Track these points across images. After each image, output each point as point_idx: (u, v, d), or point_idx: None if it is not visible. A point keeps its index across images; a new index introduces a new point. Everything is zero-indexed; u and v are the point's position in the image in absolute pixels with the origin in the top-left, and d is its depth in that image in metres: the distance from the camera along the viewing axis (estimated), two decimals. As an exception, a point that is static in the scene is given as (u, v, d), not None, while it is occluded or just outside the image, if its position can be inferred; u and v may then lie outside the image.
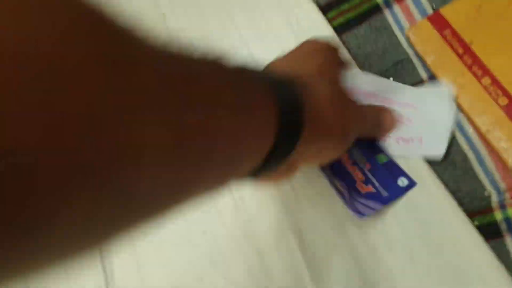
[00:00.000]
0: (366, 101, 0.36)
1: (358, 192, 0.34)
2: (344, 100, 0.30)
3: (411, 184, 0.33)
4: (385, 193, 0.33)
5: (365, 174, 0.34)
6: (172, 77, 0.15)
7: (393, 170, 0.34)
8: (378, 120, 0.34)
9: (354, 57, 0.40)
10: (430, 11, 0.39)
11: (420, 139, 0.35)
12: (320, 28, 0.42)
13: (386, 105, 0.36)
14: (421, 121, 0.36)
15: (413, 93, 0.37)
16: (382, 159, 0.35)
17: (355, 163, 0.35)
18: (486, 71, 0.34)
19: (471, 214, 0.33)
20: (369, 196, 0.33)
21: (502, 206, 0.32)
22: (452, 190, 0.34)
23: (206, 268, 0.40)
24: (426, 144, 0.35)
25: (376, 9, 0.41)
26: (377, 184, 0.34)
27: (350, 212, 0.33)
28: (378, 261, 0.34)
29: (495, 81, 0.34)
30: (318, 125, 0.27)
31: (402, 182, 0.33)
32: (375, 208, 0.32)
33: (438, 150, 0.34)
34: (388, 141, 0.36)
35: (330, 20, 0.43)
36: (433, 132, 0.35)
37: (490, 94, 0.34)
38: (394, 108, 0.36)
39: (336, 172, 0.35)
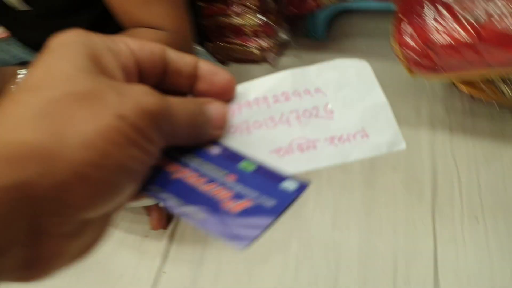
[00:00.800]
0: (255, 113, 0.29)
1: (228, 213, 0.25)
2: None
3: (302, 185, 0.26)
4: (270, 202, 0.25)
5: (231, 188, 0.26)
6: None
7: (270, 175, 0.26)
8: (197, 118, 0.25)
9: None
10: None
11: (362, 131, 0.28)
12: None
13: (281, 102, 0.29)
14: (344, 108, 0.28)
15: (317, 74, 0.30)
16: (247, 166, 0.27)
17: (211, 181, 0.26)
18: None
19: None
20: (246, 213, 0.25)
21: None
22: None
23: None
24: (374, 136, 0.28)
25: None
26: (254, 194, 0.25)
27: (226, 241, 0.24)
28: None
29: None
30: None
31: (290, 185, 0.26)
32: (262, 225, 0.24)
33: (395, 138, 0.28)
34: (318, 145, 0.28)
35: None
36: (373, 117, 0.28)
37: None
38: (296, 103, 0.29)
39: (185, 199, 0.26)
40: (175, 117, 0.22)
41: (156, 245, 0.76)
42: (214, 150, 0.27)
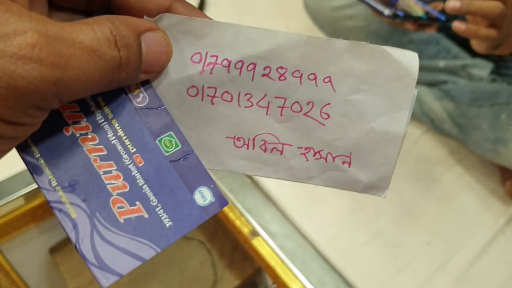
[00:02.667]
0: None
1: (111, 218, 0.19)
2: None
3: (221, 201, 0.20)
4: (169, 221, 0.19)
5: (131, 179, 0.19)
6: None
7: (188, 170, 0.20)
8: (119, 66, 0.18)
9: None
10: None
11: (347, 156, 0.22)
12: None
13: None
14: (344, 118, 0.22)
15: (340, 55, 0.21)
16: (168, 145, 0.20)
17: (111, 156, 0.20)
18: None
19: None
20: (133, 226, 0.19)
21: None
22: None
23: None
24: (357, 169, 0.22)
25: None
26: (155, 200, 0.19)
27: (90, 268, 0.18)
28: None
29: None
30: None
31: (205, 196, 0.20)
32: (142, 258, 0.19)
33: (380, 182, 0.22)
34: (287, 151, 0.22)
35: None
36: (372, 145, 0.22)
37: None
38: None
39: (66, 178, 0.19)
40: (75, 82, 0.17)
41: (502, 206, 0.81)
42: (137, 98, 0.21)
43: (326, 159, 0.22)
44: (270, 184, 0.78)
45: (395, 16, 0.65)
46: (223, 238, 0.80)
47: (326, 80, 0.21)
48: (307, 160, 0.22)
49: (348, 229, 0.76)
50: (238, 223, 0.72)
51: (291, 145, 0.22)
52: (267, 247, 0.71)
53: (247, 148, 0.22)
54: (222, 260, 0.82)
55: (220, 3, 1.14)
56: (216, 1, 1.14)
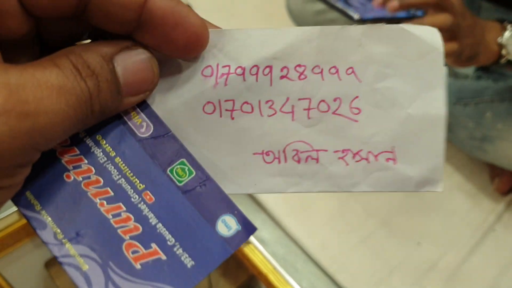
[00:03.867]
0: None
1: (128, 267, 0.17)
2: None
3: (248, 228, 0.18)
4: (190, 260, 0.17)
5: (143, 219, 0.18)
6: None
7: (205, 200, 0.18)
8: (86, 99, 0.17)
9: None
10: None
11: (390, 152, 0.20)
12: None
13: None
14: (377, 109, 0.20)
15: (359, 42, 0.20)
16: (181, 174, 0.18)
17: (118, 198, 0.18)
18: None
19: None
20: (150, 271, 0.17)
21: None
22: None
23: None
24: (405, 163, 0.20)
25: None
26: (173, 238, 0.18)
27: None
28: None
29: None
30: None
31: (227, 225, 0.18)
32: None
33: (433, 173, 0.20)
34: (324, 157, 0.20)
35: None
36: (414, 133, 0.20)
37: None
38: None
39: (70, 228, 0.18)
40: (50, 126, 0.15)
41: (491, 204, 0.82)
42: (141, 128, 0.19)
43: (367, 159, 0.20)
44: (260, 190, 0.78)
45: (363, 20, 0.66)
46: (215, 246, 0.81)
47: (349, 71, 0.19)
48: (347, 164, 0.20)
49: (339, 233, 0.76)
50: (229, 231, 0.72)
51: (326, 150, 0.20)
52: (259, 254, 0.72)
53: (279, 163, 0.20)
54: (216, 269, 0.82)
55: (206, 9, 1.14)
56: (201, 7, 1.14)
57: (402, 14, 0.67)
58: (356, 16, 0.66)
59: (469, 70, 0.78)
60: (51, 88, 0.15)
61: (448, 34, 0.57)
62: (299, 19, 0.90)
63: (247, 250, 0.71)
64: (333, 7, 0.69)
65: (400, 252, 0.75)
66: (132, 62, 0.18)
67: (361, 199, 0.80)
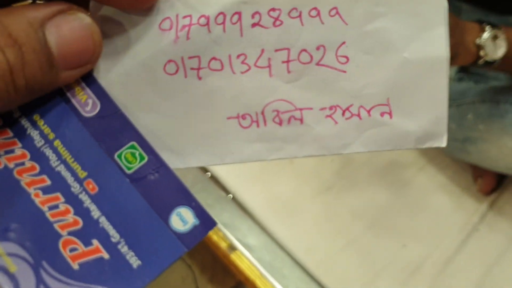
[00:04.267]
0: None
1: (64, 267, 0.15)
2: None
3: (207, 223, 0.16)
4: (136, 260, 0.16)
5: (84, 212, 0.16)
6: None
7: (157, 187, 0.16)
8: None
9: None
10: None
11: (384, 105, 0.17)
12: None
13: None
14: (368, 56, 0.17)
15: None
16: (130, 159, 0.16)
17: (56, 187, 0.16)
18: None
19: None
20: (90, 271, 0.15)
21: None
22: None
23: None
24: (402, 117, 0.17)
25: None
26: (117, 234, 0.16)
27: None
28: None
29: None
30: None
31: (182, 219, 0.16)
32: None
33: (435, 126, 0.18)
34: (308, 116, 0.17)
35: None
36: (412, 81, 0.17)
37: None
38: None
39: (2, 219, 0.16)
40: None
41: (475, 204, 0.82)
42: (86, 107, 0.17)
43: (359, 115, 0.17)
44: (246, 196, 0.78)
45: None
46: (202, 252, 0.80)
47: (333, 12, 0.16)
48: (336, 122, 0.17)
49: (325, 237, 0.77)
50: (215, 238, 0.72)
51: (312, 108, 0.17)
52: (246, 260, 0.72)
53: (258, 126, 0.17)
54: (203, 274, 0.82)
55: None
56: None
57: None
58: None
59: (451, 72, 0.79)
60: None
61: None
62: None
63: (234, 256, 0.71)
64: None
65: (386, 254, 0.75)
66: (68, 29, 0.15)
67: (348, 201, 0.81)
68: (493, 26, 0.59)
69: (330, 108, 0.17)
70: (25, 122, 0.16)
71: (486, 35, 0.59)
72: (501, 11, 0.75)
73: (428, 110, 0.17)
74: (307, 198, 0.79)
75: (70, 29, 0.15)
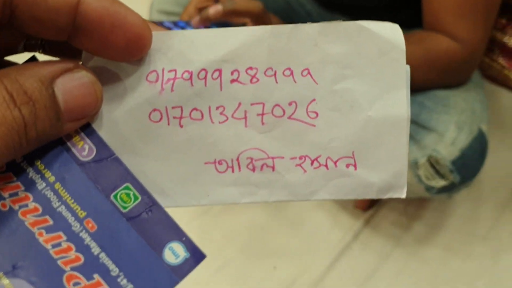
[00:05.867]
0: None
1: None
2: None
3: (197, 256, 0.17)
4: None
5: (84, 248, 0.17)
6: None
7: (151, 225, 0.17)
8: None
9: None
10: None
11: (350, 157, 0.19)
12: None
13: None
14: (335, 112, 0.19)
15: (316, 41, 0.19)
16: (125, 199, 0.18)
17: (58, 227, 0.18)
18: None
19: None
20: None
21: None
22: None
23: None
24: (365, 169, 0.19)
25: None
26: (114, 270, 0.17)
27: None
28: None
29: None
30: None
31: (174, 253, 0.17)
32: None
33: (396, 179, 0.19)
34: (280, 165, 0.19)
35: None
36: (375, 137, 0.19)
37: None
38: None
39: (9, 257, 0.17)
40: None
41: (350, 221, 0.83)
42: (83, 151, 0.18)
43: (326, 165, 0.19)
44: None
45: None
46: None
47: (305, 73, 0.19)
48: (305, 171, 0.19)
49: (197, 262, 0.77)
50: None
51: (283, 157, 0.19)
52: None
53: (232, 171, 0.19)
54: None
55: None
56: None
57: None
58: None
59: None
60: None
61: (256, 21, 0.59)
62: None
63: None
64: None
65: (257, 276, 0.76)
66: (74, 86, 0.17)
67: (223, 225, 0.81)
68: None
69: (300, 158, 0.19)
70: (27, 167, 0.18)
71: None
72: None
73: (389, 164, 0.19)
74: (182, 224, 0.79)
75: (76, 86, 0.17)
